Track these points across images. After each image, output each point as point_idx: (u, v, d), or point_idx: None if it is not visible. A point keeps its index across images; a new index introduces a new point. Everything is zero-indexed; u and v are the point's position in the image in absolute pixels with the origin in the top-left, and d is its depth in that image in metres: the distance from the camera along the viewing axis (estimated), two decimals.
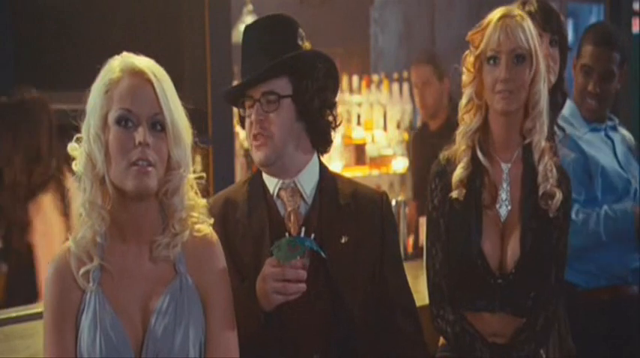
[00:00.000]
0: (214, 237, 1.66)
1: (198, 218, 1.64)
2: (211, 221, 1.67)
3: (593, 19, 5.03)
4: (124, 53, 1.59)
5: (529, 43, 1.96)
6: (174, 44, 3.40)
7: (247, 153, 3.68)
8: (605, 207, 2.61)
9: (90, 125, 1.54)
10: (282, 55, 1.81)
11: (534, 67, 1.97)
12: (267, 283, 1.71)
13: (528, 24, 1.98)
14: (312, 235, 1.76)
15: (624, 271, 2.68)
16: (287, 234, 1.77)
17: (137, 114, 1.53)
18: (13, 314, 2.44)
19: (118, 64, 1.56)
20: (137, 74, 1.54)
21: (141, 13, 3.23)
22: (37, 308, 2.41)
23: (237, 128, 3.67)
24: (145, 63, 1.57)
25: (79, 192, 1.56)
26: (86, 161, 1.55)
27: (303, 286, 1.71)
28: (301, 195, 1.87)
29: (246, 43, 1.88)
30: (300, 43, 1.87)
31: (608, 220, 2.59)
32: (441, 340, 2.12)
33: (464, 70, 2.03)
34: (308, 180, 1.89)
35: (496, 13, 1.98)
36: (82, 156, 1.56)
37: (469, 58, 2.01)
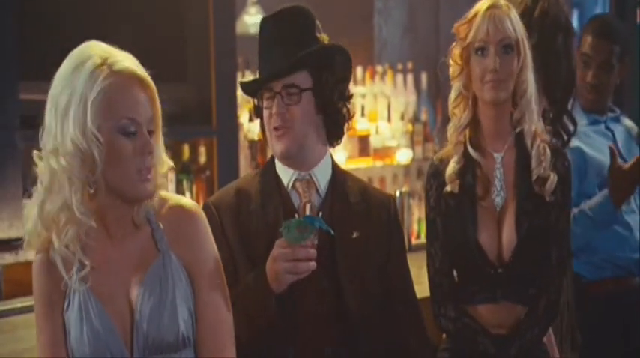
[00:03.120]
0: (194, 207, 1.64)
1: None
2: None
3: (598, 10, 5.02)
4: (91, 44, 1.55)
5: (516, 33, 1.98)
6: (178, 35, 3.40)
7: (251, 144, 3.68)
8: (581, 206, 2.57)
9: (86, 126, 1.49)
10: (302, 49, 1.84)
11: (522, 56, 1.98)
12: (277, 264, 1.73)
13: (514, 14, 2.00)
14: (320, 213, 1.79)
15: (627, 262, 2.68)
16: (296, 216, 1.79)
17: (139, 122, 1.53)
18: (19, 305, 2.46)
19: (101, 62, 1.51)
20: (134, 78, 1.53)
21: (145, 4, 3.23)
22: None
23: (242, 119, 3.69)
24: (134, 62, 1.55)
25: (55, 191, 1.51)
26: (79, 160, 1.50)
27: (313, 264, 1.74)
28: (316, 188, 1.90)
29: (264, 36, 1.89)
30: (317, 35, 1.89)
31: (584, 220, 2.56)
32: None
33: (451, 62, 2.04)
34: (323, 174, 1.91)
35: (483, 4, 2.00)
36: (70, 153, 1.49)
37: (455, 51, 2.02)
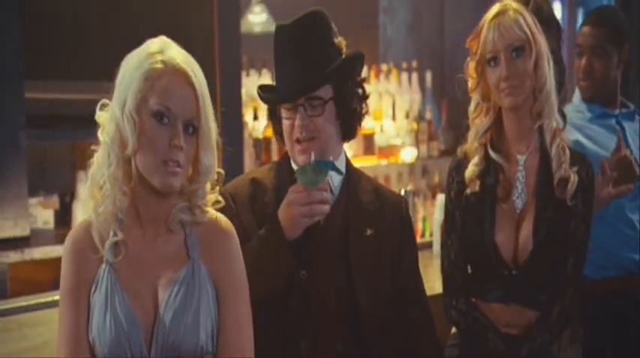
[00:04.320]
0: (229, 225, 1.66)
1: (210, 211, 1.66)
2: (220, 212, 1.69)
3: None
4: (163, 38, 1.61)
5: (525, 32, 1.96)
6: (183, 34, 3.40)
7: (256, 143, 3.68)
8: None
9: (125, 103, 1.55)
10: (324, 61, 1.84)
11: (535, 52, 1.97)
12: (293, 208, 1.78)
13: (522, 14, 1.97)
14: (331, 157, 1.84)
15: (630, 262, 2.65)
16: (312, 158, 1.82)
17: (175, 113, 1.55)
18: (24, 303, 2.46)
19: (157, 51, 1.56)
20: (180, 73, 1.56)
21: (149, 2, 3.23)
22: (48, 297, 2.43)
23: (247, 117, 3.69)
24: (186, 60, 1.58)
25: (100, 162, 1.58)
26: (115, 135, 1.56)
27: (327, 207, 1.79)
28: (330, 187, 1.90)
29: (282, 44, 1.88)
30: (335, 40, 1.90)
31: None
32: (453, 329, 2.13)
33: (468, 78, 2.05)
34: (337, 172, 1.92)
35: (489, 13, 1.99)
36: (110, 128, 1.56)
37: (470, 65, 2.03)
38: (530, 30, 1.96)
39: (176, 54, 1.58)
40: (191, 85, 1.56)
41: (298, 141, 1.87)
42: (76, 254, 1.59)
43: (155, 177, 1.55)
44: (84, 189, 1.63)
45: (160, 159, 1.54)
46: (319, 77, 1.83)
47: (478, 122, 2.04)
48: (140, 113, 1.54)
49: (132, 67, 1.56)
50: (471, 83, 2.05)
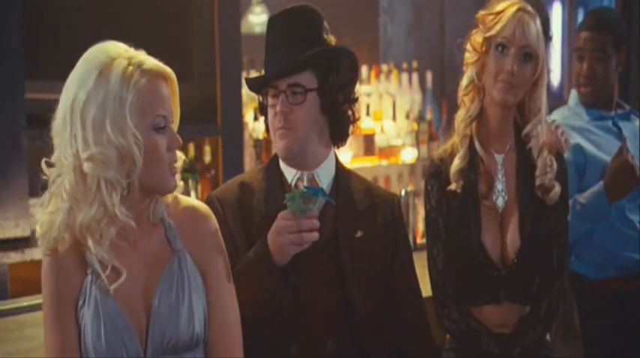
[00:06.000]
0: (207, 209, 1.68)
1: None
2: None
3: None
4: (111, 46, 1.55)
5: (538, 45, 1.96)
6: (183, 35, 3.41)
7: (256, 143, 3.68)
8: (575, 196, 2.54)
9: (126, 127, 1.49)
10: (307, 49, 1.84)
11: (539, 70, 1.97)
12: (282, 236, 1.75)
13: (539, 23, 1.97)
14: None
15: (630, 262, 2.65)
16: (300, 185, 1.82)
17: (167, 117, 1.56)
18: (25, 303, 2.47)
19: (125, 61, 1.52)
20: (160, 76, 1.55)
21: (150, 3, 3.24)
22: None
23: (247, 118, 3.70)
24: (155, 60, 1.56)
25: (86, 195, 1.50)
26: (119, 163, 1.50)
27: (316, 235, 1.76)
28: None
29: (271, 33, 1.90)
30: (325, 36, 1.90)
31: (576, 209, 2.51)
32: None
33: (468, 47, 2.02)
34: (326, 174, 1.92)
35: (512, 4, 1.97)
36: (111, 157, 1.49)
37: (476, 38, 2.00)
38: (541, 45, 1.96)
39: (143, 57, 1.55)
40: (172, 81, 1.57)
41: (279, 128, 1.86)
42: (55, 272, 1.55)
43: (164, 184, 1.56)
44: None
45: (166, 166, 1.55)
46: (300, 60, 1.83)
47: (467, 101, 2.02)
48: (139, 130, 1.51)
49: (112, 89, 1.49)
50: (470, 55, 2.01)
